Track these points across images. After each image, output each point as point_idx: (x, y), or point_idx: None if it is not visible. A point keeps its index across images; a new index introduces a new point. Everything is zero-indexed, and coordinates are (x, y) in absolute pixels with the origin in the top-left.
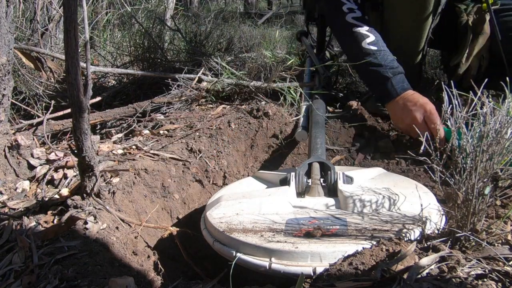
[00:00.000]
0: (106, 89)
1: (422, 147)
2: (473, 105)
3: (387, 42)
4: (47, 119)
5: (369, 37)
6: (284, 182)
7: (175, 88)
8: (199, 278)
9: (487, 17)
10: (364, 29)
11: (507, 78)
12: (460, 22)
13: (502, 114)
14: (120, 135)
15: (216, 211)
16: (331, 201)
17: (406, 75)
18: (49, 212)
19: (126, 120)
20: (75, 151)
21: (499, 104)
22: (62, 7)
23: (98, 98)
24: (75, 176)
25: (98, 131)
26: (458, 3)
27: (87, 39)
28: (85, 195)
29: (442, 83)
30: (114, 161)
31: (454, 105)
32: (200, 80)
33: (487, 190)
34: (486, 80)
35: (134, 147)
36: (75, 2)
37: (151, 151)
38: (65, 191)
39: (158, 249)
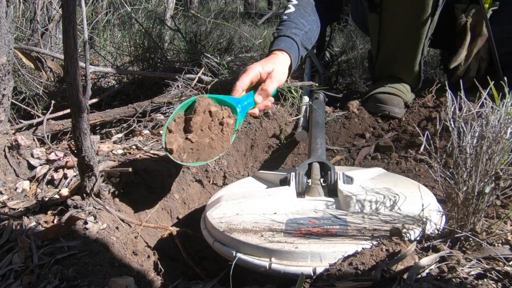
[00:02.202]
0: (106, 89)
1: (422, 147)
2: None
3: (387, 42)
4: (47, 119)
5: (289, 9)
6: (284, 182)
7: (175, 88)
8: (199, 278)
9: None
10: (291, 3)
11: (505, 78)
12: (459, 23)
13: (501, 113)
14: (120, 135)
15: (216, 211)
16: (331, 201)
17: (406, 75)
18: (49, 212)
19: (126, 120)
20: (75, 151)
21: (497, 99)
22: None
23: (98, 98)
24: (75, 176)
25: (98, 131)
26: (456, 4)
27: (86, 39)
28: (85, 195)
29: (446, 83)
30: (114, 161)
31: (460, 104)
32: (200, 80)
33: (487, 189)
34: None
35: (134, 147)
36: (74, 2)
37: (151, 151)
38: (65, 191)
39: (158, 249)
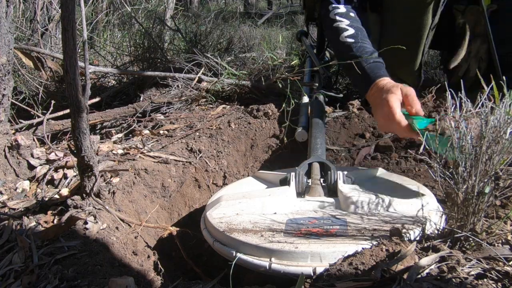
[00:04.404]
0: (106, 89)
1: (422, 147)
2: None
3: (387, 43)
4: (47, 119)
5: (348, 31)
6: (284, 182)
7: (175, 88)
8: (199, 278)
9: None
10: (343, 23)
11: (504, 78)
12: (458, 24)
13: (501, 113)
14: (120, 135)
15: (216, 211)
16: (331, 201)
17: (407, 76)
18: (49, 212)
19: (126, 120)
20: (74, 151)
21: (497, 99)
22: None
23: (98, 98)
24: (75, 176)
25: (98, 131)
26: (455, 5)
27: (85, 38)
28: (85, 195)
29: (446, 84)
30: (114, 161)
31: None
32: (200, 80)
33: (487, 189)
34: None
35: (134, 147)
36: (72, 2)
37: (151, 151)
38: (65, 191)
39: (158, 249)
